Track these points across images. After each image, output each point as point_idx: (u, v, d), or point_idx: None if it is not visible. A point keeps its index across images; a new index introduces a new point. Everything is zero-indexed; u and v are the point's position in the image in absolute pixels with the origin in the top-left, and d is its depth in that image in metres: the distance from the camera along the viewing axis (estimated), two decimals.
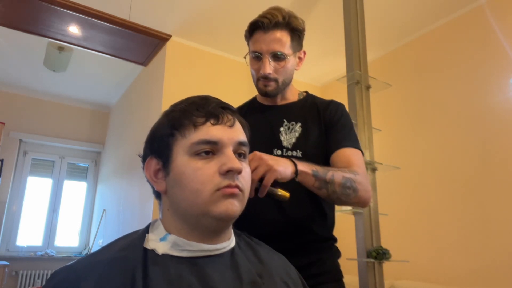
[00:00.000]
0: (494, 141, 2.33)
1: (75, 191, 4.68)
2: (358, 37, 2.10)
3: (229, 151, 0.64)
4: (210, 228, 0.64)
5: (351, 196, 0.95)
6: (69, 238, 4.52)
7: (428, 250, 2.53)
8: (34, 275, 4.00)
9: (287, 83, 1.12)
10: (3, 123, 4.03)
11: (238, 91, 3.34)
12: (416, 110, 2.84)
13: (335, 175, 0.93)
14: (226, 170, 0.62)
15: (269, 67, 1.06)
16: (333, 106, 1.14)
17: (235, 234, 0.74)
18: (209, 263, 0.63)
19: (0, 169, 3.91)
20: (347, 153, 1.05)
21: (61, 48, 3.32)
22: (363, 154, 1.09)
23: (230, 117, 0.68)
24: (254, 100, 1.25)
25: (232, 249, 0.68)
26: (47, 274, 4.05)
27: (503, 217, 2.21)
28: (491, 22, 2.45)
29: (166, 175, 0.66)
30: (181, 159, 0.64)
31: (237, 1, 2.65)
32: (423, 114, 2.78)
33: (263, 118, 1.15)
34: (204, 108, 0.66)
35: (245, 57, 1.14)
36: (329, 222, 1.10)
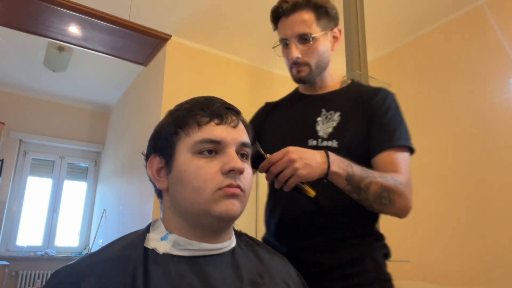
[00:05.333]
0: (494, 141, 2.33)
1: (75, 191, 4.68)
2: (358, 37, 2.10)
3: (231, 151, 0.65)
4: (210, 227, 0.64)
5: (385, 207, 0.87)
6: (69, 238, 4.52)
7: (428, 250, 2.53)
8: (34, 275, 4.00)
9: (322, 67, 1.03)
10: (3, 123, 4.03)
11: (238, 91, 3.34)
12: (416, 110, 2.84)
13: (373, 182, 0.84)
14: (228, 169, 0.63)
15: (295, 51, 0.99)
16: (381, 95, 1.01)
17: (236, 234, 0.74)
18: (209, 262, 0.63)
19: (0, 169, 3.91)
20: (392, 157, 0.92)
21: (61, 48, 3.32)
22: (412, 150, 0.96)
23: (234, 118, 0.68)
24: (295, 90, 1.17)
25: (233, 249, 0.69)
26: (47, 274, 4.05)
27: (503, 217, 2.21)
28: (491, 22, 2.45)
29: (168, 173, 0.66)
30: (184, 157, 0.64)
31: (237, 1, 2.65)
32: (423, 114, 2.78)
33: (300, 108, 1.09)
34: (208, 108, 0.67)
35: (274, 47, 1.06)
36: (368, 214, 0.95)
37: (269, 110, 1.16)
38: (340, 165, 0.83)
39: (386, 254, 0.99)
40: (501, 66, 2.37)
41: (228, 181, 0.63)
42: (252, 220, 3.17)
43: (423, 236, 2.57)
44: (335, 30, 1.04)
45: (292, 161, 0.77)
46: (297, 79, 1.04)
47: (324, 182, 0.82)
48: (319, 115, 1.02)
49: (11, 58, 3.60)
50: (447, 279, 2.38)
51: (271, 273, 0.68)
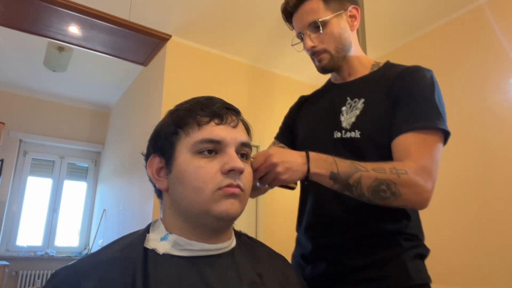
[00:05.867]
0: (494, 141, 2.34)
1: (75, 191, 4.69)
2: (358, 37, 2.10)
3: (231, 151, 0.65)
4: (210, 227, 0.64)
5: (389, 200, 0.79)
6: (69, 238, 4.52)
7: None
8: (34, 275, 4.00)
9: (344, 49, 0.98)
10: (3, 123, 4.04)
11: (238, 91, 3.34)
12: None
13: (364, 176, 0.77)
14: (228, 169, 0.63)
15: (310, 41, 0.96)
16: (406, 74, 0.92)
17: (236, 234, 0.74)
18: (209, 263, 0.63)
19: (0, 169, 3.92)
20: (408, 142, 0.84)
21: (61, 48, 3.32)
22: (445, 131, 0.88)
23: (234, 118, 0.69)
24: (328, 81, 1.12)
25: (233, 249, 0.69)
26: (47, 274, 4.05)
27: (504, 217, 2.21)
28: (491, 22, 2.45)
29: (168, 173, 0.66)
30: (184, 157, 0.64)
31: (237, 1, 2.65)
32: None
33: (327, 99, 1.04)
34: (208, 108, 0.67)
35: (293, 45, 1.03)
36: (397, 211, 0.88)
37: (301, 104, 1.14)
38: (321, 164, 0.79)
39: (420, 255, 0.89)
40: (501, 66, 2.37)
41: (228, 181, 0.63)
42: (252, 220, 3.17)
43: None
44: (351, 8, 0.99)
45: (273, 165, 0.76)
46: (321, 69, 1.00)
47: (305, 184, 0.80)
48: (344, 104, 0.97)
49: (11, 58, 3.60)
50: (447, 279, 2.38)
51: (270, 273, 0.68)
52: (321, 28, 0.94)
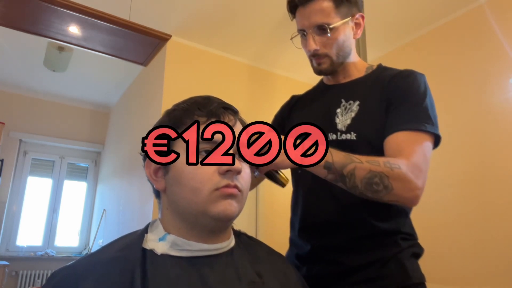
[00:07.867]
0: (493, 142, 2.33)
1: (75, 191, 4.68)
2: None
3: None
4: (208, 228, 0.64)
5: (381, 194, 0.77)
6: (69, 238, 4.52)
7: (428, 250, 2.52)
8: (34, 275, 4.00)
9: (344, 56, 0.98)
10: (3, 123, 4.03)
11: (238, 91, 3.34)
12: None
13: (358, 168, 0.76)
14: (225, 169, 0.62)
15: (313, 43, 0.94)
16: (400, 77, 0.94)
17: (235, 234, 0.74)
18: (208, 263, 0.63)
19: (0, 169, 3.91)
20: (399, 139, 0.85)
21: (61, 48, 3.32)
22: (436, 135, 0.88)
23: (232, 117, 0.68)
24: (320, 81, 1.12)
25: (232, 249, 0.68)
26: (47, 274, 4.05)
27: (503, 217, 2.21)
28: (491, 22, 2.45)
29: (165, 174, 0.66)
30: (181, 157, 0.64)
31: (237, 1, 2.65)
32: None
33: (322, 100, 1.04)
34: (205, 108, 0.66)
35: (292, 38, 1.00)
36: (393, 210, 0.89)
37: (294, 104, 1.14)
38: None
39: (416, 255, 0.91)
40: (501, 66, 2.37)
41: (225, 182, 0.62)
42: (252, 220, 3.16)
43: (423, 236, 2.56)
44: (357, 16, 0.98)
45: None
46: (318, 71, 1.00)
47: (298, 172, 0.78)
48: (339, 106, 0.97)
49: (11, 58, 3.60)
50: (447, 279, 2.38)
51: (270, 273, 0.68)
52: (329, 33, 0.93)
